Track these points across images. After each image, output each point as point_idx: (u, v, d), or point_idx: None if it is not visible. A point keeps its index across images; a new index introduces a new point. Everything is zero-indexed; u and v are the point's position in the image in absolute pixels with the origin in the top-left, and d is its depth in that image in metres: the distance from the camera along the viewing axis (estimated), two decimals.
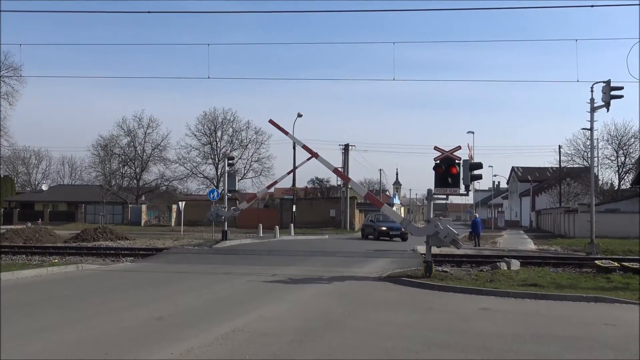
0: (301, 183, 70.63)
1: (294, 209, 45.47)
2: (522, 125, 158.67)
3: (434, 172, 13.77)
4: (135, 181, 62.20)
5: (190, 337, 7.15)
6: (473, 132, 50.75)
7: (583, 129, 30.73)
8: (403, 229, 28.76)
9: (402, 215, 31.09)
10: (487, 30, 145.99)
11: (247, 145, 61.05)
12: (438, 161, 13.71)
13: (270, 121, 17.91)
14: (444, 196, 14.29)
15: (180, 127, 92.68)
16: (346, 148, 50.72)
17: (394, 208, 76.73)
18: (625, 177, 52.06)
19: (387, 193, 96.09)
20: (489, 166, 72.08)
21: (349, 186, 48.84)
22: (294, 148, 46.46)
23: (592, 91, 22.09)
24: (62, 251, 20.93)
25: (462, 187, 13.77)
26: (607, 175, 54.46)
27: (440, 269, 15.35)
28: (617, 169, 51.97)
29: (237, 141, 60.85)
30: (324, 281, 13.48)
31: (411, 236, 27.32)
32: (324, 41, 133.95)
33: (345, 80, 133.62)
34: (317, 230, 43.82)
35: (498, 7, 43.77)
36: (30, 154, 77.79)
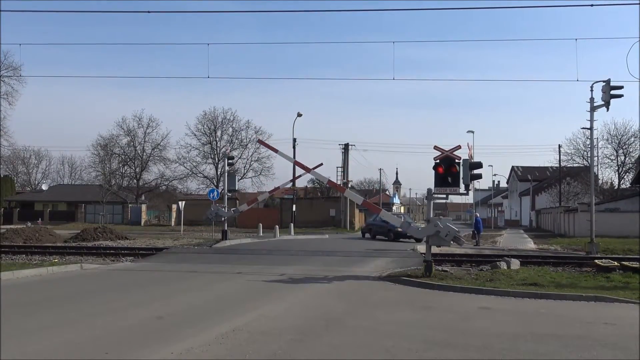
0: (301, 183, 70.59)
1: (294, 209, 45.48)
2: (522, 125, 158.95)
3: (433, 171, 13.77)
4: (135, 181, 62.18)
5: (190, 337, 7.15)
6: (473, 132, 50.69)
7: (583, 128, 30.83)
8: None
9: (402, 217, 30.67)
10: (487, 29, 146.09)
11: (247, 144, 61.06)
12: (438, 160, 13.71)
13: (259, 141, 18.06)
14: (444, 195, 14.29)
15: (180, 127, 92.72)
16: (346, 147, 50.74)
17: (394, 207, 77.01)
18: (625, 177, 52.07)
19: (387, 192, 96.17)
20: (489, 165, 72.30)
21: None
22: (294, 148, 46.50)
23: (592, 90, 22.10)
24: (62, 251, 20.94)
25: (462, 186, 13.78)
26: (607, 174, 54.55)
27: (440, 268, 15.36)
28: (617, 168, 52.00)
29: (237, 141, 60.86)
30: (324, 280, 13.49)
31: None
32: (323, 41, 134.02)
33: (345, 79, 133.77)
34: (317, 229, 43.84)
35: (498, 6, 43.79)
36: (30, 154, 77.91)
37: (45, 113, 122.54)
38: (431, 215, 14.19)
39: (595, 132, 24.00)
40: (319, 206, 52.55)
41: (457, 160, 13.67)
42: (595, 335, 7.74)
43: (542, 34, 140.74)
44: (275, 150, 18.08)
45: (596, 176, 45.99)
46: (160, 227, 49.02)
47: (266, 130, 61.47)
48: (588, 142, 37.77)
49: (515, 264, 15.64)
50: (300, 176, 34.42)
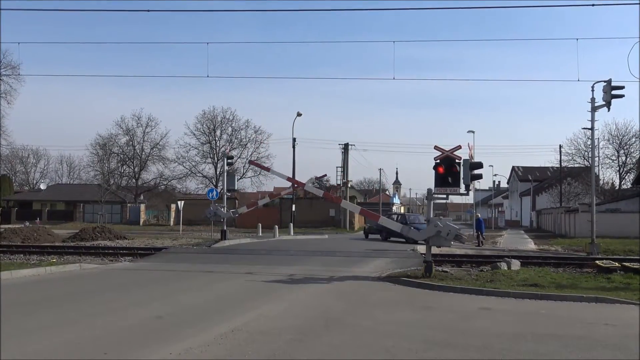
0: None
1: (293, 209, 45.48)
2: (523, 125, 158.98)
3: (434, 171, 13.78)
4: (134, 180, 62.17)
5: (189, 337, 7.17)
6: (473, 132, 50.06)
7: (584, 128, 30.87)
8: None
9: (417, 218, 29.74)
10: (488, 29, 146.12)
11: (246, 144, 61.07)
12: (438, 160, 13.72)
13: (251, 162, 18.21)
14: (444, 196, 14.30)
15: (179, 126, 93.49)
16: (346, 147, 50.74)
17: (394, 208, 76.94)
18: (626, 177, 52.14)
19: (387, 192, 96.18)
20: (489, 165, 72.11)
21: (346, 195, 49.02)
22: (294, 147, 46.50)
23: (592, 90, 22.13)
24: (60, 250, 20.95)
25: (463, 186, 13.79)
26: (607, 174, 54.66)
27: (440, 269, 15.37)
28: (618, 168, 52.06)
29: (236, 140, 60.88)
30: (323, 281, 13.50)
31: None
32: (323, 40, 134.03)
33: (345, 79, 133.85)
34: (317, 229, 43.86)
35: (499, 6, 43.69)
36: (29, 153, 77.92)
37: (44, 112, 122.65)
38: (431, 216, 14.20)
39: (596, 132, 24.05)
40: (318, 206, 52.54)
41: (457, 160, 13.68)
42: (595, 335, 7.76)
43: (544, 34, 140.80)
44: (267, 170, 18.53)
45: (597, 176, 45.99)
46: (159, 227, 49.04)
47: (266, 129, 61.71)
48: (589, 142, 37.95)
49: (516, 264, 15.65)
50: (297, 187, 34.19)
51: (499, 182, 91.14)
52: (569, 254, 22.88)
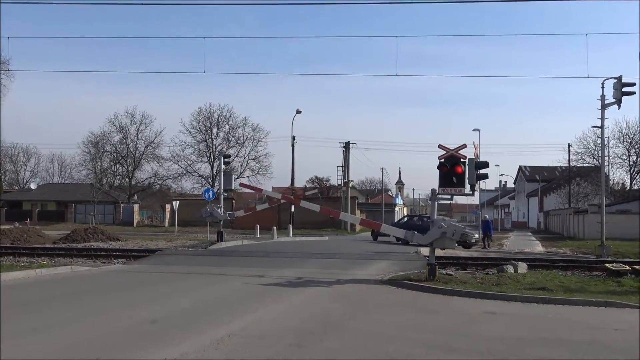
0: (300, 182, 70.82)
1: (292, 209, 45.49)
2: (530, 123, 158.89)
3: (438, 171, 13.80)
4: (127, 180, 62.23)
5: (185, 341, 7.19)
6: (479, 130, 50.50)
7: (593, 126, 30.78)
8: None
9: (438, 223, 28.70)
10: (494, 24, 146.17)
11: (244, 142, 61.16)
12: (442, 160, 13.74)
13: (242, 184, 18.28)
14: (449, 196, 14.31)
15: (175, 124, 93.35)
16: (347, 146, 50.75)
17: (397, 208, 77.01)
18: (637, 177, 52.17)
19: (390, 193, 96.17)
20: (495, 165, 72.26)
21: (347, 195, 49.08)
22: (293, 146, 46.57)
23: (602, 87, 22.16)
24: (51, 252, 20.97)
25: (468, 186, 13.80)
26: (618, 174, 54.59)
27: (444, 271, 15.39)
28: (628, 168, 52.05)
29: (233, 138, 60.93)
30: (323, 284, 13.52)
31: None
32: (323, 34, 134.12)
33: (346, 75, 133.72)
34: (317, 231, 43.87)
35: (506, 0, 43.70)
36: (19, 151, 77.87)
37: (34, 108, 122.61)
38: (435, 217, 14.21)
39: (606, 130, 24.06)
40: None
41: (462, 160, 13.69)
42: (605, 341, 7.78)
43: (552, 29, 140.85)
44: (260, 190, 18.67)
45: (607, 176, 46.02)
46: (153, 228, 49.08)
47: (264, 127, 61.45)
48: (599, 141, 37.94)
49: (523, 267, 15.68)
50: (294, 198, 34.40)
51: (506, 182, 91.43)
52: (577, 257, 22.91)
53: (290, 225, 39.95)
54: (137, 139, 61.44)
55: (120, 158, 62.01)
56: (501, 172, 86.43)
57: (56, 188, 65.81)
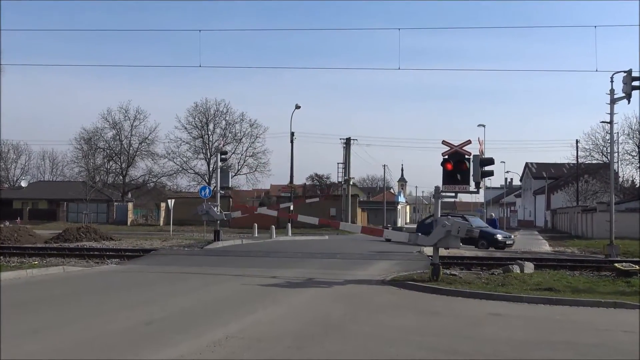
0: (299, 180, 70.88)
1: (291, 208, 45.51)
2: (536, 118, 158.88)
3: (442, 168, 13.80)
4: (121, 177, 62.20)
5: (181, 343, 7.22)
6: (484, 126, 50.72)
7: (602, 122, 30.65)
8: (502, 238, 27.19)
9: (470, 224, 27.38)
10: (500, 16, 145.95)
11: (241, 138, 61.14)
12: (446, 156, 13.74)
13: (237, 205, 18.39)
14: (453, 194, 14.32)
15: (170, 120, 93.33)
16: (347, 142, 50.81)
17: (399, 206, 77.08)
18: None
19: (392, 190, 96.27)
20: (501, 162, 72.08)
21: (348, 193, 49.10)
22: (292, 142, 46.57)
23: (612, 81, 22.12)
24: (42, 252, 20.99)
25: (472, 184, 13.81)
26: (627, 171, 54.46)
27: (448, 272, 15.41)
28: (638, 165, 52.02)
29: (230, 134, 60.93)
30: (323, 284, 13.54)
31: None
32: (323, 27, 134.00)
33: (347, 69, 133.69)
34: (317, 230, 43.90)
35: None
36: (9, 148, 77.78)
37: (25, 104, 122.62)
38: (439, 215, 14.22)
39: (615, 126, 24.07)
40: (318, 205, 52.59)
41: (467, 156, 13.69)
42: (613, 343, 7.81)
43: (559, 21, 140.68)
44: (254, 209, 18.90)
45: (616, 173, 45.97)
46: (147, 227, 49.14)
47: (262, 123, 61.22)
48: (608, 137, 37.86)
49: (529, 267, 15.70)
50: (292, 207, 34.65)
51: (512, 179, 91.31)
52: (585, 256, 22.93)
53: (290, 224, 39.99)
54: (131, 135, 61.37)
55: (113, 155, 61.96)
56: (507, 169, 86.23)
57: (47, 186, 65.90)
